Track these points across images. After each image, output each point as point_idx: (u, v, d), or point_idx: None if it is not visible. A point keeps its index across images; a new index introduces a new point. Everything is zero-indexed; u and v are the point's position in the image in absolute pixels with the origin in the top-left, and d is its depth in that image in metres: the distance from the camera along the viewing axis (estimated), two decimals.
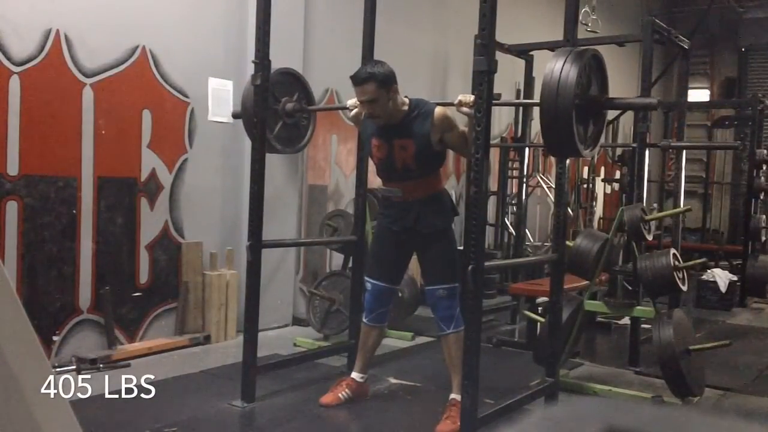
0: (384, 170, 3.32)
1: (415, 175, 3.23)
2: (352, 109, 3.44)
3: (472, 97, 2.88)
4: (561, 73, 2.62)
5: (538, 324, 4.10)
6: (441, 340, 3.33)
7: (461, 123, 3.22)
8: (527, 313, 4.58)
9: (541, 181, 7.37)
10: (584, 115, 2.76)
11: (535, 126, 5.98)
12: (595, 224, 9.11)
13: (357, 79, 3.15)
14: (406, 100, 3.23)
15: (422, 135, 3.16)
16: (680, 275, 3.81)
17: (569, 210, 7.44)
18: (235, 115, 4.29)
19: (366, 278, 3.50)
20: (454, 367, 3.21)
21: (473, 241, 2.76)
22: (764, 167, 7.53)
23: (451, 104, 3.16)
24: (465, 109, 2.98)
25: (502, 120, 7.46)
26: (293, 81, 4.17)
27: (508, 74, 6.87)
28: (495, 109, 5.77)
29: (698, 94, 11.35)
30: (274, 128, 4.01)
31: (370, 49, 3.88)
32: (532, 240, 7.49)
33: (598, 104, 2.84)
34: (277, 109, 4.02)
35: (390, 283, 3.45)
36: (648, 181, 5.42)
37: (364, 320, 3.50)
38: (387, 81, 3.12)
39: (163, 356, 4.22)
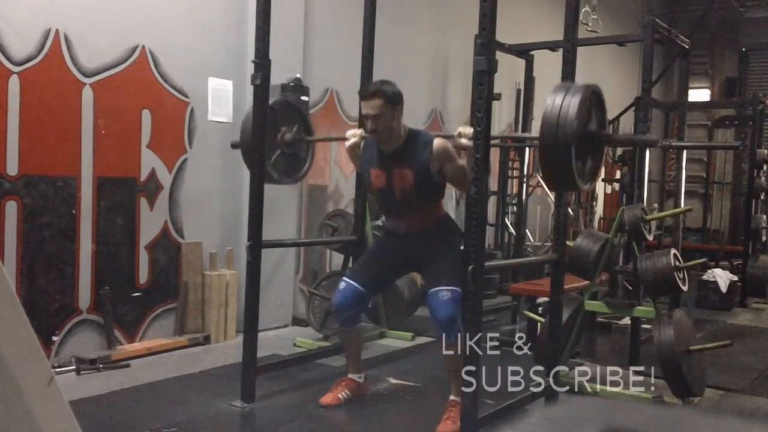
0: (384, 201, 3.31)
1: (414, 207, 3.21)
2: (350, 139, 3.39)
3: (471, 129, 2.88)
4: (561, 108, 2.64)
5: (538, 324, 4.10)
6: (440, 343, 3.30)
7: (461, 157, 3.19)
8: (527, 313, 4.58)
9: (541, 181, 7.36)
10: (583, 150, 2.77)
11: (536, 126, 5.97)
12: (596, 224, 9.10)
13: (365, 93, 3.19)
14: (407, 128, 3.24)
15: (421, 163, 3.14)
16: (681, 275, 3.81)
17: (569, 210, 7.43)
18: (233, 145, 4.10)
19: (343, 278, 3.43)
20: (453, 372, 3.17)
21: (473, 241, 2.77)
22: (765, 167, 7.53)
23: (450, 136, 3.14)
24: (464, 140, 2.97)
25: (502, 120, 7.46)
26: (293, 111, 4.09)
27: (508, 74, 6.87)
28: (495, 109, 5.78)
29: (698, 94, 11.34)
30: (272, 157, 3.88)
31: (370, 49, 3.88)
32: (532, 240, 7.48)
33: (597, 139, 2.84)
34: (275, 138, 3.92)
35: (365, 288, 3.32)
36: (648, 181, 5.41)
37: (337, 325, 3.46)
38: (394, 99, 3.14)
39: (163, 356, 4.22)
